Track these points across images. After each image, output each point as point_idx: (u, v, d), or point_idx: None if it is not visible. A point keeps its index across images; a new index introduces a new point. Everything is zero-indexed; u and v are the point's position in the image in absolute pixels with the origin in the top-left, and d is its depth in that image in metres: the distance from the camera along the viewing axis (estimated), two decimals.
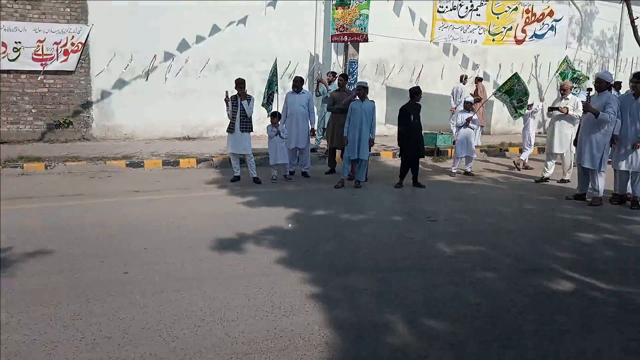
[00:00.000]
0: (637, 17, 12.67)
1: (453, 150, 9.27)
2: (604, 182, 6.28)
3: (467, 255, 4.25)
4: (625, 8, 12.98)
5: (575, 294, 3.45)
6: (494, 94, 8.88)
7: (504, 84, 8.48)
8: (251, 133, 7.39)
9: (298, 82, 7.95)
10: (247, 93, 7.33)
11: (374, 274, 3.75)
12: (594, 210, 5.98)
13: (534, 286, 3.57)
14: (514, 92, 8.36)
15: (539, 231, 5.06)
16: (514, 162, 9.19)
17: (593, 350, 2.70)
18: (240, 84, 7.20)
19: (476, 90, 11.85)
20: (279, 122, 7.47)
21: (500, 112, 14.13)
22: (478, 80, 12.09)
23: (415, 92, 7.43)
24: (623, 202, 6.27)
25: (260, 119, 9.71)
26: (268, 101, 7.74)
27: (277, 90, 7.86)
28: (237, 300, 3.27)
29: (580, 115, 6.91)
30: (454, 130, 9.68)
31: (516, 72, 8.93)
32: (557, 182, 7.64)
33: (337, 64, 12.03)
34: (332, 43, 11.53)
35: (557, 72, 11.26)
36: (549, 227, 5.21)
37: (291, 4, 11.43)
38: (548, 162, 7.84)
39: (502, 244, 4.57)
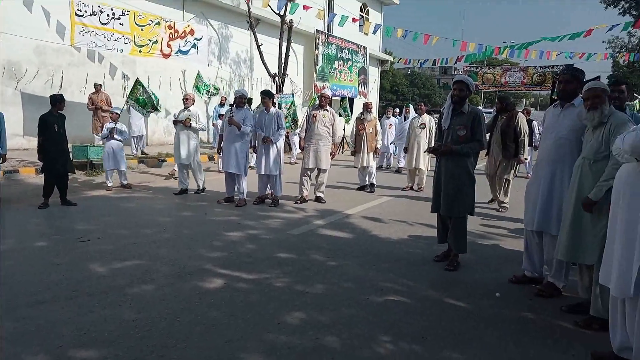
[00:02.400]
0: (262, 44, 15.06)
1: None
2: (246, 185, 7.22)
3: (124, 271, 4.10)
4: (253, 35, 15.22)
5: (225, 288, 3.80)
6: (126, 102, 9.00)
7: (131, 92, 8.72)
8: None
9: None
10: None
11: (9, 315, 3.15)
12: (240, 211, 6.77)
13: (189, 289, 3.75)
14: (144, 102, 8.69)
15: (195, 235, 5.35)
16: (169, 173, 9.48)
17: (238, 336, 3.02)
18: None
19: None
20: None
21: (156, 124, 14.32)
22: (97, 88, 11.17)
23: (58, 101, 6.68)
24: (263, 202, 7.32)
25: None
26: None
27: None
28: None
29: (203, 127, 7.83)
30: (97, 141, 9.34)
31: (137, 79, 9.19)
32: (195, 192, 7.86)
33: None
34: None
35: (193, 86, 12.20)
36: (203, 231, 5.58)
37: None
38: (181, 174, 7.86)
39: (160, 254, 4.61)
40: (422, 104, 9.55)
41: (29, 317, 3.16)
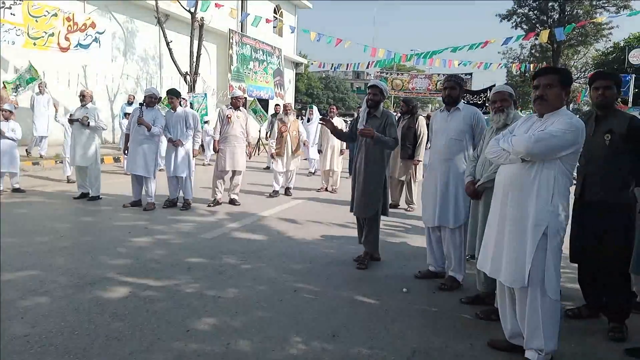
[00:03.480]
0: (172, 41, 14.52)
1: None
2: (155, 187, 6.90)
3: (15, 283, 3.73)
4: (162, 31, 14.61)
5: (130, 297, 3.60)
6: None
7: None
8: None
9: None
10: None
11: None
12: (149, 215, 6.45)
13: (88, 300, 3.49)
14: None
15: (96, 242, 5.02)
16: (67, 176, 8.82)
17: (143, 348, 2.88)
18: None
19: None
20: None
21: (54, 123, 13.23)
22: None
23: None
24: (174, 205, 7.04)
25: None
26: None
27: None
28: None
29: (103, 126, 7.35)
30: None
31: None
32: (87, 199, 7.17)
33: None
34: None
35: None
36: (107, 237, 5.25)
37: None
38: (79, 177, 7.35)
39: (57, 263, 4.26)
40: (334, 107, 9.75)
41: None
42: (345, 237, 5.71)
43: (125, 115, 10.68)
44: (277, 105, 12.44)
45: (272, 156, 8.62)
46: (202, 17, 14.82)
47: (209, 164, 12.31)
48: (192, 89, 14.74)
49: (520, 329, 2.84)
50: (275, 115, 11.32)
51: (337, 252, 5.12)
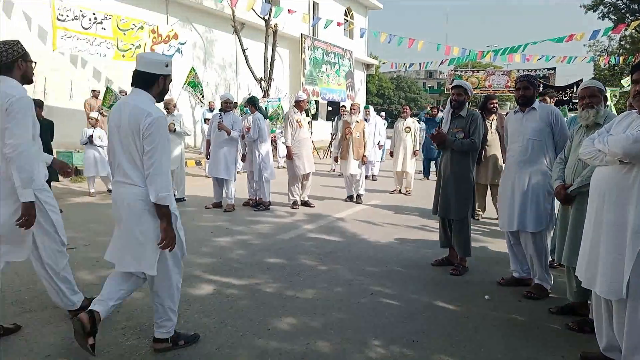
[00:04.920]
0: (247, 48, 15.04)
1: None
2: (235, 189, 7.20)
3: None
4: (238, 39, 15.18)
5: (215, 294, 3.77)
6: (100, 109, 9.18)
7: (104, 99, 8.99)
8: None
9: None
10: None
11: None
12: (229, 216, 6.73)
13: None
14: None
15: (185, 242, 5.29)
16: None
17: (229, 344, 3.00)
18: None
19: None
20: None
21: None
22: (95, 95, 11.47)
23: (36, 106, 6.57)
24: (256, 205, 7.29)
25: None
26: None
27: None
28: None
29: (187, 132, 7.86)
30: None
31: (108, 87, 9.59)
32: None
33: None
34: None
35: (185, 83, 12.04)
36: (192, 237, 5.51)
37: None
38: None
39: None
40: (407, 107, 9.58)
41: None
42: (422, 241, 5.61)
43: (206, 120, 11.21)
44: (342, 106, 12.41)
45: (335, 159, 8.50)
46: (276, 24, 15.21)
47: (283, 167, 12.59)
48: (266, 93, 15.16)
49: (617, 343, 2.64)
50: (340, 117, 11.31)
51: (413, 255, 5.04)
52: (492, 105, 6.63)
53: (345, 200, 8.17)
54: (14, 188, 2.77)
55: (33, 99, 6.79)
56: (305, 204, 7.53)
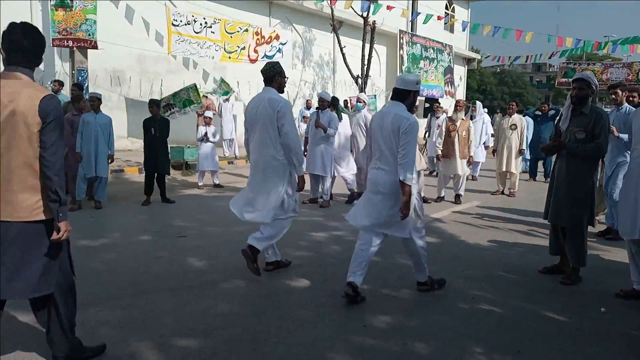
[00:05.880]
0: (345, 46, 15.15)
1: None
2: (330, 186, 7.31)
3: (217, 267, 4.32)
4: (336, 37, 15.36)
5: (311, 288, 3.87)
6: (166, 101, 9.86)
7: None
8: None
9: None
10: None
11: (116, 303, 3.44)
12: (324, 212, 6.85)
13: (277, 287, 3.86)
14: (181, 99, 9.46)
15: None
16: None
17: (326, 336, 3.06)
18: None
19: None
20: None
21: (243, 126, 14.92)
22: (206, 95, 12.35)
23: (150, 105, 7.20)
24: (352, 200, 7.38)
25: None
26: None
27: None
28: None
29: None
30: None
31: (194, 84, 10.20)
32: None
33: (61, 71, 10.72)
34: (55, 48, 10.23)
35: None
36: (289, 230, 5.69)
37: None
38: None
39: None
40: (514, 103, 9.04)
41: (135, 305, 3.42)
42: (529, 245, 5.28)
43: (304, 118, 11.51)
44: (436, 104, 12.00)
45: (437, 158, 8.15)
46: (374, 21, 15.15)
47: None
48: (362, 91, 15.18)
49: None
50: (433, 113, 10.92)
51: (517, 260, 4.76)
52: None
53: (436, 201, 7.87)
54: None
55: (151, 100, 7.46)
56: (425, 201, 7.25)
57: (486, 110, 14.92)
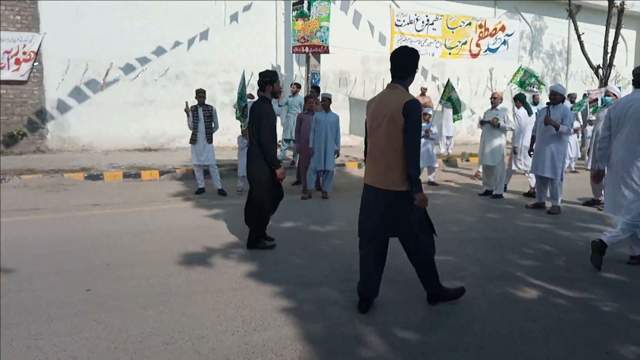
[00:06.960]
0: (583, 33, 13.38)
1: None
2: (562, 191, 6.56)
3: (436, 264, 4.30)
4: (572, 24, 13.69)
5: (540, 300, 3.55)
6: (440, 102, 9.21)
7: (443, 93, 8.87)
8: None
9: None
10: (207, 103, 7.26)
11: (345, 286, 3.74)
12: (553, 219, 6.20)
13: (499, 294, 3.66)
14: (452, 99, 8.84)
15: (502, 239, 5.19)
16: (475, 174, 9.48)
17: (560, 355, 2.77)
18: (200, 93, 7.13)
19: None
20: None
21: (460, 123, 14.54)
22: (423, 92, 12.22)
23: None
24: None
25: (222, 131, 9.55)
26: (243, 114, 7.41)
27: (246, 103, 7.56)
28: (206, 316, 3.19)
29: (512, 127, 7.49)
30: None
31: (449, 79, 9.34)
32: (491, 197, 7.44)
33: (299, 75, 12.10)
34: (294, 54, 11.60)
35: (510, 82, 11.64)
36: (511, 235, 5.36)
37: (251, 15, 11.45)
38: (484, 175, 7.78)
39: (468, 253, 4.66)
40: None
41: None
42: None
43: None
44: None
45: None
46: (623, 2, 12.96)
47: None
48: (604, 82, 13.18)
49: None
50: None
51: None
52: None
53: None
54: None
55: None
56: None
57: None
